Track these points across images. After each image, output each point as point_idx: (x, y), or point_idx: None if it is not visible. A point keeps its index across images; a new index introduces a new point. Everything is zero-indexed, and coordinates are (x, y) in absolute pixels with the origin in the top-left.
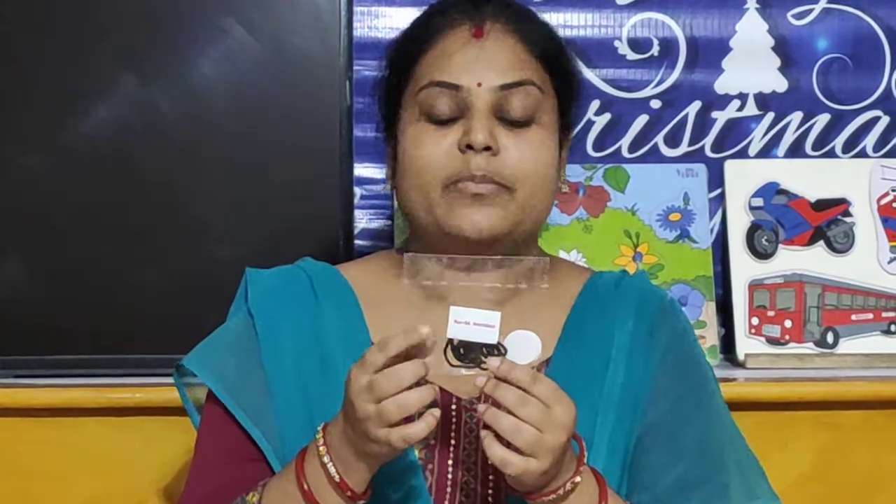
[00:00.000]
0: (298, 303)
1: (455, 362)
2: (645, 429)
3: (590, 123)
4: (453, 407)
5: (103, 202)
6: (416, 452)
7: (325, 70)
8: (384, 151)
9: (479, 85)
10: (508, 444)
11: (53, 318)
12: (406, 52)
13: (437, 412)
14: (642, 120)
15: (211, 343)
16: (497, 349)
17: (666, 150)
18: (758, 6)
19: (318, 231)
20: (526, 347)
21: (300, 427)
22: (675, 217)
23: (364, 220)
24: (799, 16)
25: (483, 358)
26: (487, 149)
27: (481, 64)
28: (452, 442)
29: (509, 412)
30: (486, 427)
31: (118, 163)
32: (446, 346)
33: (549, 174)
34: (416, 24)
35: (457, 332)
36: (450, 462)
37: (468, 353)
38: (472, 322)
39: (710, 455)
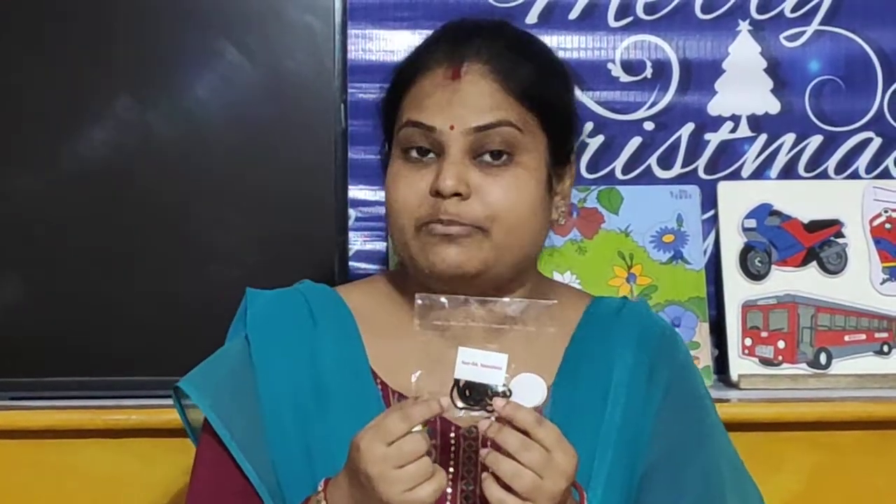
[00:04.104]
0: (295, 329)
1: (461, 403)
2: (647, 468)
3: (583, 145)
4: (452, 436)
5: (100, 224)
6: None
7: (319, 93)
8: (379, 174)
9: (452, 128)
10: (509, 487)
11: (50, 339)
12: (393, 85)
13: (443, 472)
14: (636, 142)
15: (209, 368)
16: (503, 392)
17: (659, 172)
18: (750, 28)
19: (314, 253)
20: (532, 391)
21: (295, 458)
22: (668, 238)
23: (359, 241)
24: (791, 38)
25: (488, 399)
26: (457, 194)
27: (455, 106)
28: (451, 471)
29: (511, 456)
30: (487, 469)
31: (115, 185)
32: (453, 386)
33: (528, 213)
34: (409, 56)
35: (464, 372)
36: (449, 492)
37: (474, 393)
38: (479, 363)
39: (712, 490)
